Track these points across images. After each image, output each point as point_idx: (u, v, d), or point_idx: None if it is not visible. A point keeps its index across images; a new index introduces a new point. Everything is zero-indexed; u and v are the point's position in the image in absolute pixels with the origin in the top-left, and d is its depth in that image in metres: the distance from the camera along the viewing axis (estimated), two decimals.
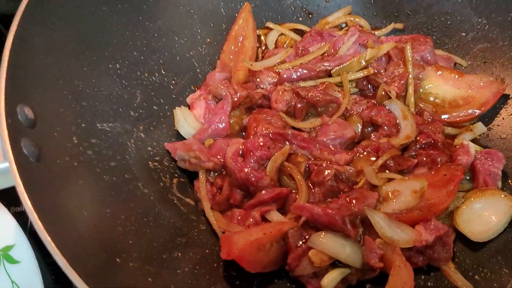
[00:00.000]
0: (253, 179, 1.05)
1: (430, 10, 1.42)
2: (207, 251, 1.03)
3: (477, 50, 1.36)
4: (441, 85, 1.27)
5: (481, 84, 1.25)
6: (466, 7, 1.37)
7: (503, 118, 1.25)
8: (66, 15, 1.04)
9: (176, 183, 1.14)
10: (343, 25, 1.45)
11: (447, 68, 1.30)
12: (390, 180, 1.09)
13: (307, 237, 0.97)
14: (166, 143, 1.18)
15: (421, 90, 1.27)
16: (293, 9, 1.48)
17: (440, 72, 1.27)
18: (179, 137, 1.24)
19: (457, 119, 1.24)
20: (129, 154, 1.09)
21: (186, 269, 0.95)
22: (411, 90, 1.24)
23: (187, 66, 1.32)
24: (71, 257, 0.71)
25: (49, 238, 0.71)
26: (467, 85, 1.25)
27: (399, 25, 1.43)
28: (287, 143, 1.12)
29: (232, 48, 1.37)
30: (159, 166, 1.14)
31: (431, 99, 1.27)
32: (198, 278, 0.95)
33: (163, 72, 1.27)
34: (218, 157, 1.13)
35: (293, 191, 1.08)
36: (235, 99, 1.19)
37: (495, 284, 0.98)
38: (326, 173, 1.06)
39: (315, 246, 0.95)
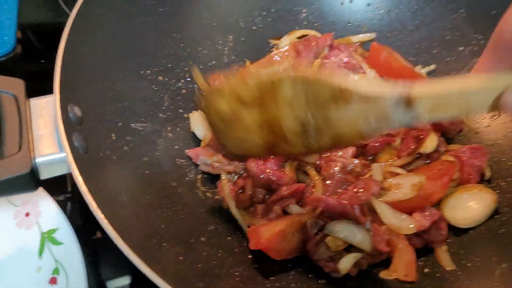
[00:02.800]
0: (274, 178, 1.18)
1: (431, 25, 1.55)
2: (228, 238, 1.15)
3: (473, 63, 1.47)
4: None
5: None
6: (465, 23, 1.49)
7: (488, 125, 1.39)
8: (107, 26, 1.17)
9: (200, 178, 1.27)
10: None
11: None
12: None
13: (323, 225, 1.10)
14: (187, 150, 1.28)
15: None
16: (305, 23, 1.61)
17: None
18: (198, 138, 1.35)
19: None
20: (159, 151, 1.22)
21: (211, 252, 1.07)
22: None
23: (209, 74, 1.44)
24: (120, 231, 0.83)
25: (101, 214, 0.83)
26: None
27: None
28: None
29: None
30: (185, 163, 1.27)
31: None
32: (221, 260, 1.07)
33: (188, 79, 1.40)
34: None
35: (309, 185, 1.20)
36: None
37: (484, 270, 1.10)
38: (334, 166, 1.20)
39: (331, 233, 1.08)
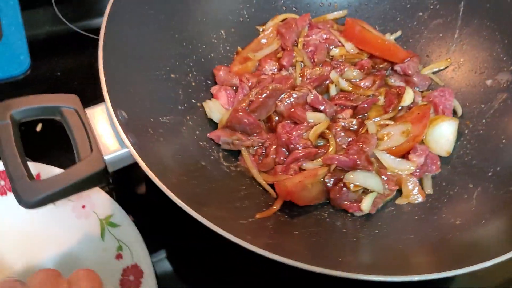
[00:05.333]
0: (293, 140, 1.43)
1: None
2: (256, 201, 1.39)
3: (432, 26, 1.75)
4: None
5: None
6: None
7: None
8: (127, 40, 1.37)
9: (222, 156, 1.50)
10: None
11: None
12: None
13: (341, 176, 1.35)
14: (208, 133, 1.49)
15: None
16: (284, 8, 1.84)
17: None
18: (213, 122, 1.57)
19: None
20: (185, 138, 1.43)
21: (247, 214, 1.31)
22: None
23: (211, 65, 1.66)
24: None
25: (162, 184, 1.07)
26: None
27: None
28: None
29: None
30: (207, 145, 1.49)
31: None
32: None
33: (194, 72, 1.60)
34: (255, 135, 1.48)
35: (321, 149, 1.45)
36: (250, 84, 1.55)
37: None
38: (336, 126, 1.47)
39: (350, 181, 1.33)
